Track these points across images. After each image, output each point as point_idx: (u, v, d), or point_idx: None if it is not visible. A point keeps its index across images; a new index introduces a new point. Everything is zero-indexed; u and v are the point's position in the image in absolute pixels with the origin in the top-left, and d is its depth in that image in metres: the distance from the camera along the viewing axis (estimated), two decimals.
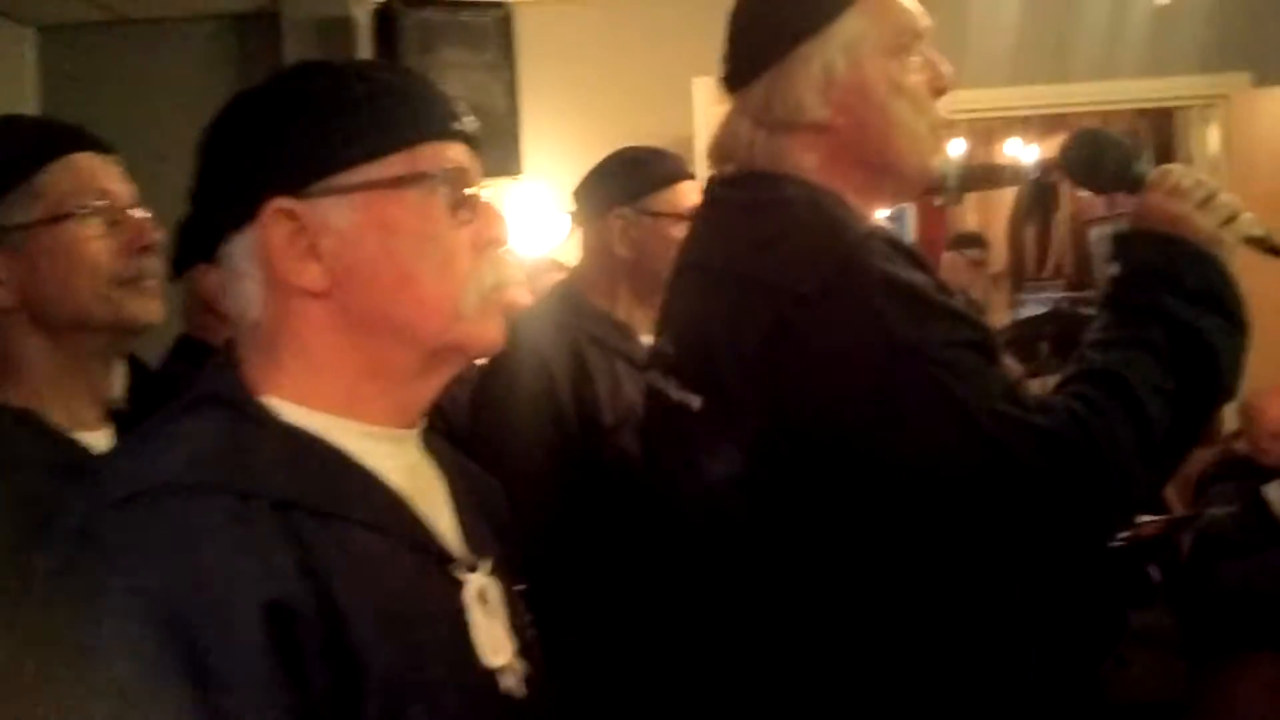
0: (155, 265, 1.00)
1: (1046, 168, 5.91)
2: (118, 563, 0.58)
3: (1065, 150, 1.07)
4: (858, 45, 0.97)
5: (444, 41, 3.14)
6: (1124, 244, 0.98)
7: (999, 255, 6.27)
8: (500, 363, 1.54)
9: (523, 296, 1.88)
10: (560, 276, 1.91)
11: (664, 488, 1.07)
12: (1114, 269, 0.96)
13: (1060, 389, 0.89)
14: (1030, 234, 6.49)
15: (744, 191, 1.01)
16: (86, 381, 0.98)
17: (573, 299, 1.59)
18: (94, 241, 0.95)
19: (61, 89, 3.25)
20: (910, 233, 6.71)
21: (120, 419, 1.00)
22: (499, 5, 3.25)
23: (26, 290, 0.94)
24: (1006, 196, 6.50)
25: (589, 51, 3.38)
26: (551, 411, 1.46)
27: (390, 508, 0.68)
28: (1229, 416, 3.25)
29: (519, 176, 3.28)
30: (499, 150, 3.20)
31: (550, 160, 3.21)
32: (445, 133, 0.70)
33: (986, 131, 6.22)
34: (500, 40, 3.22)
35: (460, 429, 1.59)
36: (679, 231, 1.35)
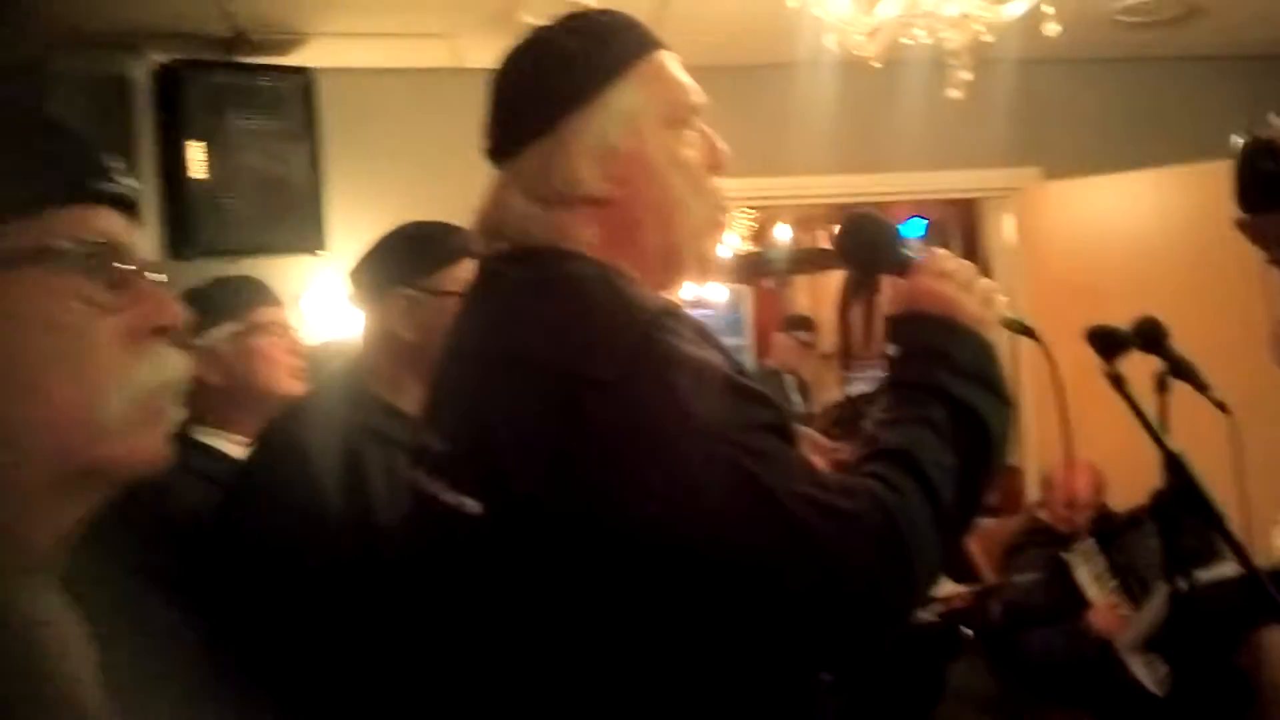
0: None
1: None
2: None
3: (838, 235, 1.07)
4: (635, 116, 0.95)
5: (237, 107, 2.93)
6: (899, 325, 0.98)
7: (828, 336, 6.53)
8: (262, 463, 1.41)
9: (295, 385, 1.73)
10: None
11: (436, 601, 0.96)
12: (891, 350, 0.96)
13: (855, 468, 0.88)
14: (857, 316, 6.80)
15: (526, 269, 0.95)
16: None
17: (352, 387, 1.45)
18: None
19: None
20: (748, 315, 6.93)
21: None
22: (300, 70, 3.08)
23: None
24: (836, 280, 6.81)
25: (398, 123, 3.25)
26: (313, 530, 1.31)
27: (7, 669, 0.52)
28: (1032, 487, 3.43)
29: (320, 254, 3.10)
30: (298, 225, 3.02)
31: (356, 237, 2.96)
32: (89, 195, 0.57)
33: (810, 218, 6.54)
34: (301, 108, 3.04)
35: (210, 530, 1.40)
36: None
